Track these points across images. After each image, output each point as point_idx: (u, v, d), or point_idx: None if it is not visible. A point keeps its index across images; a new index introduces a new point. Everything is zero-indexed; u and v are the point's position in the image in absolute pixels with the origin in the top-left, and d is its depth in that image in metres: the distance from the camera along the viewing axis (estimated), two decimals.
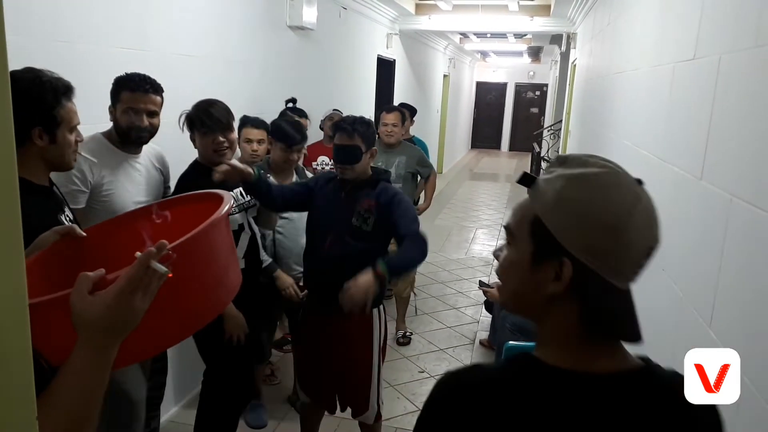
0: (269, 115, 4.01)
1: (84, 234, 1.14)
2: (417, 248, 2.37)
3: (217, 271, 1.07)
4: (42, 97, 1.67)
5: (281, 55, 4.38)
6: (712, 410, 0.88)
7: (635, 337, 0.82)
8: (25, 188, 1.74)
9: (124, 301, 0.82)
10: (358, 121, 2.45)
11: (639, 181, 0.82)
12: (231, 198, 1.18)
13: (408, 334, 4.41)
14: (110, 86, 2.27)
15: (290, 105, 3.92)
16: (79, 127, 1.81)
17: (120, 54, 2.53)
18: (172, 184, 2.56)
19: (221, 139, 2.43)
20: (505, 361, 0.88)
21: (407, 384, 3.78)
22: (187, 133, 2.53)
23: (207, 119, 2.43)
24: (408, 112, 4.74)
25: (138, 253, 0.83)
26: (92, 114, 2.26)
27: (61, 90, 1.72)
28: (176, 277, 0.89)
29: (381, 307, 2.57)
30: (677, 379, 0.85)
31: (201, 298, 1.04)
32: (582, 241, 0.77)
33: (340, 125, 2.46)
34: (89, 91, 2.25)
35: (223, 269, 1.09)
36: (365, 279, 2.15)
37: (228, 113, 2.50)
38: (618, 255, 0.77)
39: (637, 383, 0.82)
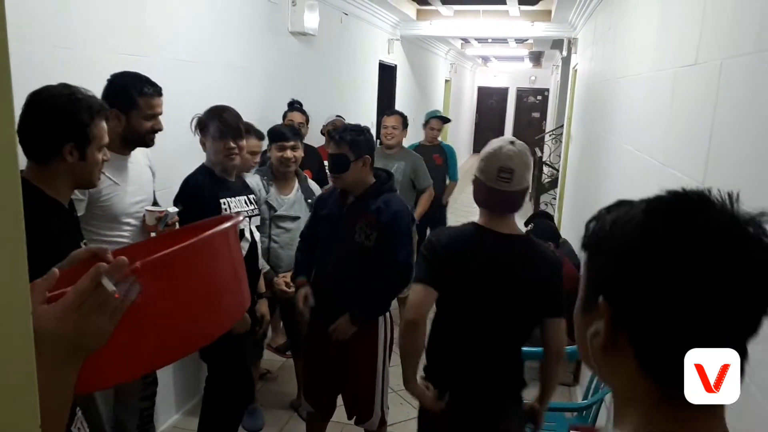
0: (271, 122, 4.02)
1: (109, 259, 1.10)
2: (394, 284, 2.50)
3: (208, 294, 0.99)
4: (77, 114, 1.69)
5: (283, 61, 4.40)
6: (555, 258, 1.89)
7: (501, 212, 1.85)
8: (56, 208, 1.74)
9: (76, 317, 0.75)
10: (348, 129, 2.42)
11: (512, 142, 1.83)
12: (234, 222, 1.11)
13: None
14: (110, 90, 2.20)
15: (297, 106, 3.93)
16: None
17: (123, 60, 2.54)
18: (168, 180, 2.57)
19: (232, 144, 2.46)
20: (462, 225, 1.93)
21: None
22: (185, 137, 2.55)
23: (220, 124, 2.45)
24: (440, 121, 5.17)
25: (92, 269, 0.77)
26: None
27: (96, 108, 1.74)
28: (150, 296, 0.82)
29: (387, 314, 2.57)
30: (542, 244, 1.92)
31: (182, 322, 0.95)
32: (477, 166, 1.85)
33: (330, 134, 2.48)
34: None
35: (215, 293, 1.01)
36: (343, 326, 2.45)
37: (239, 120, 2.52)
38: (485, 170, 1.81)
39: (518, 239, 1.86)
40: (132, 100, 2.18)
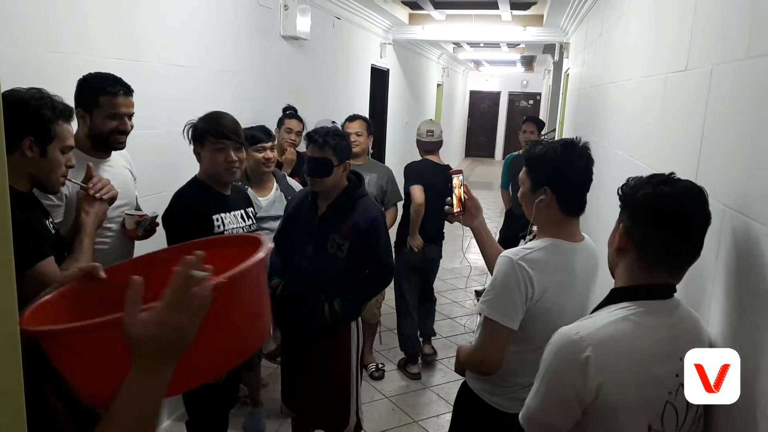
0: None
1: (104, 276, 1.08)
2: (376, 284, 2.63)
3: (255, 310, 1.04)
4: (40, 109, 1.69)
5: (275, 65, 4.39)
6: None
7: (430, 152, 4.11)
8: (10, 193, 1.75)
9: (175, 316, 0.79)
10: (331, 134, 2.42)
11: (431, 120, 4.50)
12: (269, 243, 1.12)
13: (381, 366, 4.08)
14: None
15: (288, 112, 3.91)
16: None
17: (113, 65, 2.52)
18: (158, 186, 2.55)
19: (234, 157, 2.29)
20: (420, 160, 4.12)
21: (402, 395, 3.76)
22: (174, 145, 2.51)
23: (220, 134, 2.26)
24: (536, 125, 5.12)
25: (176, 267, 0.81)
26: None
27: (60, 108, 1.75)
28: (219, 304, 0.86)
29: (358, 320, 2.60)
30: (447, 165, 3.93)
31: (235, 333, 0.99)
32: (417, 132, 4.21)
33: (312, 137, 2.44)
34: None
35: (257, 311, 1.05)
36: (325, 313, 2.44)
37: (239, 128, 2.37)
38: (420, 132, 4.14)
39: (442, 166, 3.98)
40: (94, 99, 2.14)
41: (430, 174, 3.87)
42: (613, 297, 1.33)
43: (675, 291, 1.32)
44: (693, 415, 1.26)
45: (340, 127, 4.05)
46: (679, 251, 1.27)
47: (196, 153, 2.35)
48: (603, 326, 1.24)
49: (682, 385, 1.22)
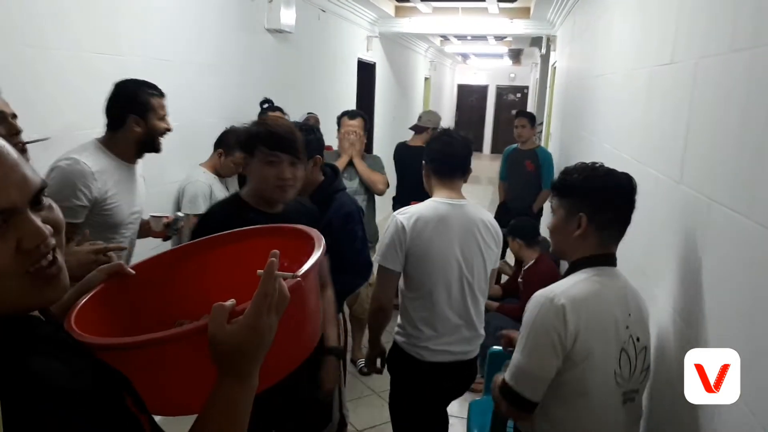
0: (246, 120, 3.95)
1: (132, 272, 1.07)
2: (354, 279, 2.55)
3: (311, 308, 1.05)
4: None
5: (259, 58, 4.35)
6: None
7: (417, 133, 4.71)
8: None
9: (264, 321, 0.81)
10: (299, 129, 2.38)
11: (428, 111, 5.11)
12: (322, 238, 1.13)
13: None
14: (105, 93, 2.15)
15: (266, 106, 3.85)
16: (50, 132, 1.76)
17: (95, 59, 2.48)
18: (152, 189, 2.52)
19: (288, 175, 1.85)
20: (400, 142, 4.82)
21: None
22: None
23: (278, 144, 1.85)
24: (528, 119, 5.08)
25: (259, 271, 0.83)
26: (66, 120, 2.22)
27: None
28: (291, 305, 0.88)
29: (340, 315, 2.57)
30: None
31: (301, 329, 1.01)
32: None
33: None
34: (63, 96, 2.20)
35: (312, 315, 1.07)
36: None
37: (295, 137, 1.92)
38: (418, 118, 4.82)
39: (420, 148, 3.77)
40: (147, 103, 2.17)
41: (403, 154, 4.59)
42: (574, 267, 1.61)
43: (616, 259, 1.61)
44: (641, 366, 1.55)
45: (318, 119, 4.04)
46: (626, 222, 1.57)
47: (245, 164, 1.93)
48: (571, 286, 1.52)
49: (632, 336, 1.52)
